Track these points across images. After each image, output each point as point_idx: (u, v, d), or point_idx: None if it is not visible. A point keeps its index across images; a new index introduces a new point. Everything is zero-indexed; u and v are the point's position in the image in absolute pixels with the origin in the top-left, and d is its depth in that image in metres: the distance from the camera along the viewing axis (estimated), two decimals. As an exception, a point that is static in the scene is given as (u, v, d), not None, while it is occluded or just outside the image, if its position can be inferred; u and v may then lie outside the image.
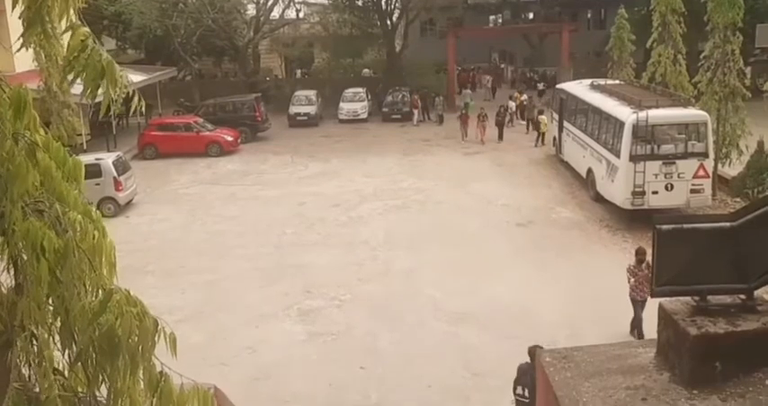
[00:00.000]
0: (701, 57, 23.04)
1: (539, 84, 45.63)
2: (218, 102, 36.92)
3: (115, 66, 4.11)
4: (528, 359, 11.31)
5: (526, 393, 12.03)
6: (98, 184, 22.26)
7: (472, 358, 13.68)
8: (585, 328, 12.36)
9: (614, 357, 4.69)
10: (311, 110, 38.90)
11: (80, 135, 27.02)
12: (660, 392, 4.26)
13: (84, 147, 27.55)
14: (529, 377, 11.30)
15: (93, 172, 21.41)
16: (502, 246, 19.41)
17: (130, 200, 24.52)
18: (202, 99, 40.21)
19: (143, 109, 4.38)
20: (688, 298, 4.59)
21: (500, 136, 33.04)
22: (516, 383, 11.86)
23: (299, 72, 54.04)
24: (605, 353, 4.78)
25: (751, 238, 4.47)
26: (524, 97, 37.71)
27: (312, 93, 40.39)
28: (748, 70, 22.84)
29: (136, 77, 29.03)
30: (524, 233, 20.62)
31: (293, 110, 38.83)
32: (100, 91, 4.10)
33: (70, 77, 4.09)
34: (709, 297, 4.55)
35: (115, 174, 23.36)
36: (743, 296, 4.55)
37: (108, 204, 23.03)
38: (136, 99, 4.27)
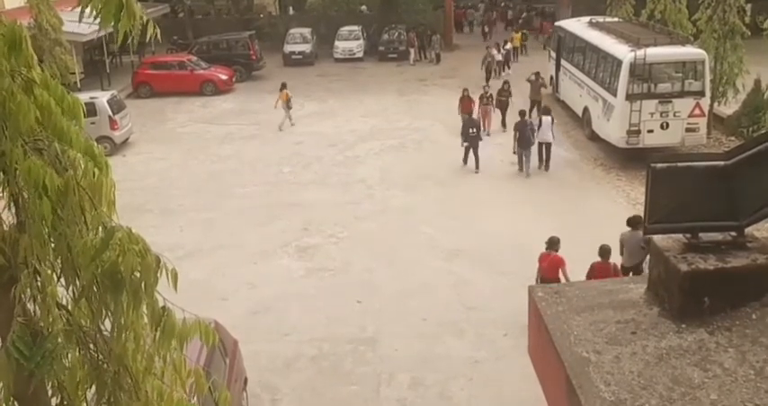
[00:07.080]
0: (702, -7, 22.72)
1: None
2: (212, 40, 36.36)
3: None
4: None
5: (475, 131, 19.11)
6: (93, 123, 22.13)
7: (466, 293, 13.92)
8: (576, 263, 12.49)
9: (605, 293, 4.79)
10: (306, 48, 38.24)
11: (73, 73, 26.73)
12: (649, 325, 4.38)
13: (78, 86, 27.28)
14: (473, 123, 19.53)
15: (88, 110, 20.68)
16: (496, 184, 19.52)
17: (126, 139, 24.43)
18: (195, 37, 39.55)
19: (158, 35, 4.40)
20: (680, 235, 4.67)
21: (502, 123, 24.67)
22: (465, 129, 19.79)
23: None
24: (597, 288, 4.88)
25: (744, 177, 4.52)
26: (508, 47, 34.41)
27: (307, 31, 39.65)
28: (749, 7, 22.45)
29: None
30: (518, 171, 20.65)
31: (288, 48, 38.14)
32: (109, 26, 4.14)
33: (88, 11, 4.08)
34: (701, 234, 4.63)
35: (110, 113, 23.23)
36: (734, 234, 4.63)
37: (104, 143, 22.88)
38: (150, 26, 4.31)
